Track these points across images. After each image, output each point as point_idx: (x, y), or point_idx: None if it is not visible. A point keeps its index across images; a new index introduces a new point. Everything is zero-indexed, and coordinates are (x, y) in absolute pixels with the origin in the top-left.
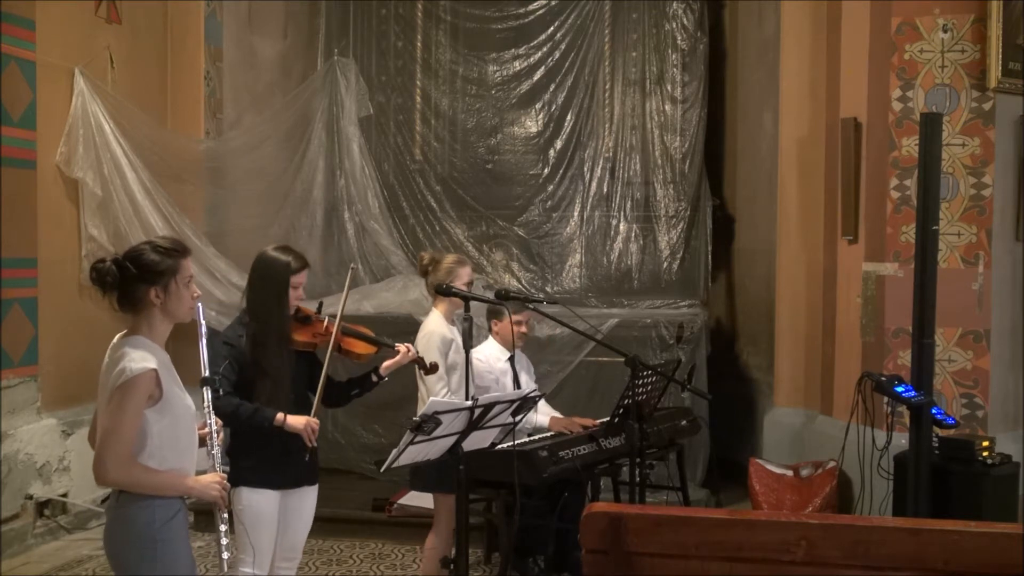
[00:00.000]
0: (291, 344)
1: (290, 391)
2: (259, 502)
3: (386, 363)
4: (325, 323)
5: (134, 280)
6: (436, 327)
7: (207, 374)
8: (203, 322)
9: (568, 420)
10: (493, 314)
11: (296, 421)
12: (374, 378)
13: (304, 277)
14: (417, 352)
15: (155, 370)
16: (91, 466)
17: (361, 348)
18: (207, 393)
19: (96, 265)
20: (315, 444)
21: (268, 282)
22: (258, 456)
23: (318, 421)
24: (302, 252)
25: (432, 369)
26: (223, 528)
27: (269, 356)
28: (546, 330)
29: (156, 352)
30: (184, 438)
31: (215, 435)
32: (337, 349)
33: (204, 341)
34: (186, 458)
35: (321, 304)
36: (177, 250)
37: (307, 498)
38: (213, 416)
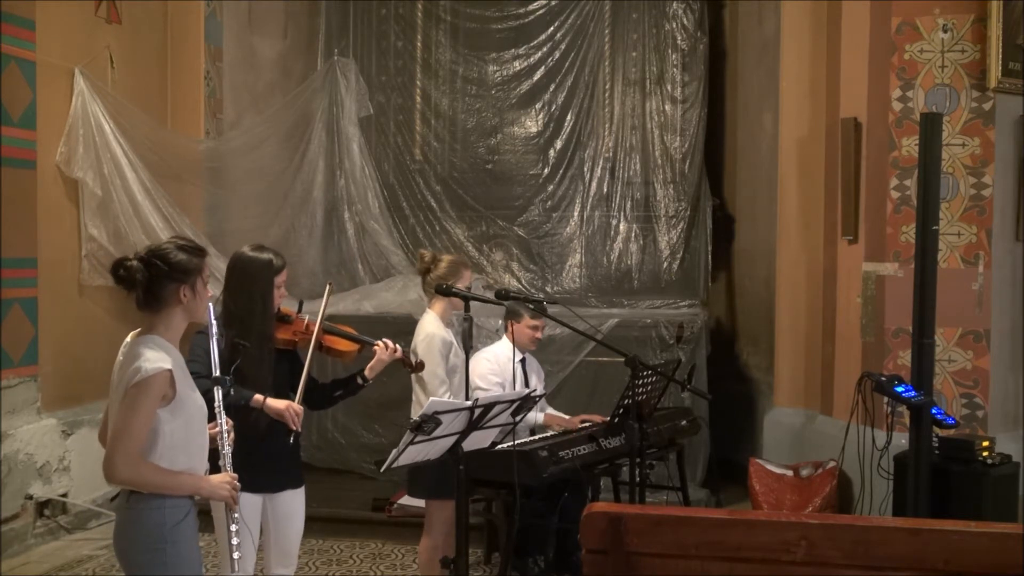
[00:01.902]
0: (273, 344)
1: (271, 393)
2: (240, 505)
3: (370, 365)
4: (306, 322)
5: (163, 278)
6: (435, 329)
7: (218, 374)
8: (214, 322)
9: (568, 420)
10: (511, 315)
11: (277, 403)
12: (359, 380)
13: (285, 275)
14: (400, 348)
15: (170, 370)
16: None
17: (344, 346)
18: (218, 393)
19: (124, 263)
20: (299, 428)
21: (250, 284)
22: (238, 459)
23: (301, 407)
24: (280, 250)
25: (419, 367)
26: (234, 528)
27: (250, 362)
28: (546, 330)
29: (171, 352)
30: (195, 439)
31: (226, 435)
32: (319, 347)
33: (214, 341)
34: (196, 459)
35: (301, 303)
36: (200, 249)
37: (294, 502)
38: (224, 416)
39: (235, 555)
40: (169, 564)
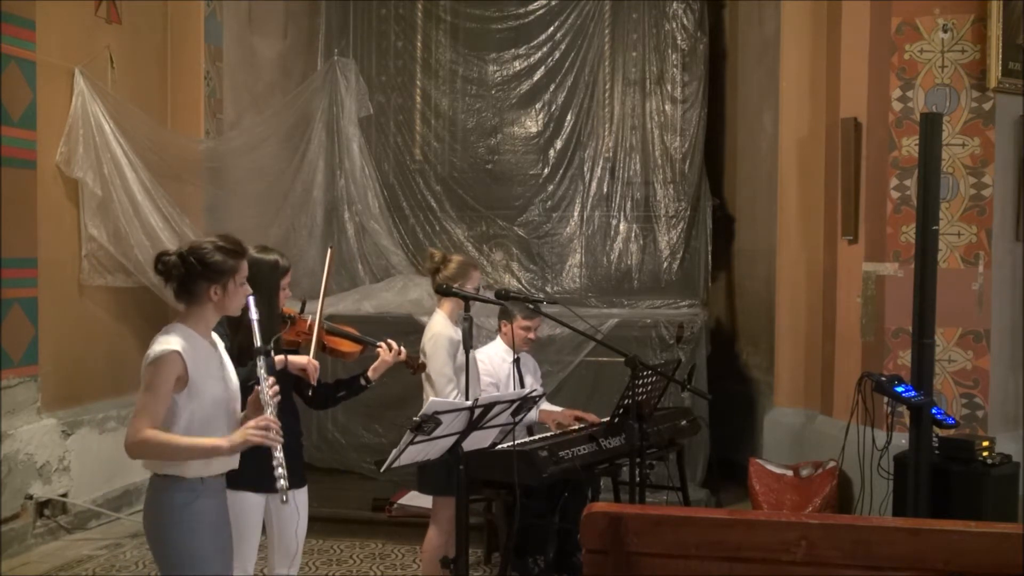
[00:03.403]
0: (279, 345)
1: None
2: (243, 504)
3: (373, 366)
4: (308, 322)
5: (197, 276)
6: (442, 329)
7: (259, 344)
8: (253, 307)
9: (560, 413)
10: (503, 315)
11: (298, 359)
12: (362, 382)
13: (290, 277)
14: (404, 350)
15: (177, 352)
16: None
17: (346, 347)
18: (261, 362)
19: (163, 258)
20: (315, 383)
21: (256, 285)
22: (243, 459)
23: (317, 362)
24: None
25: (420, 368)
26: (279, 456)
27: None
28: (546, 330)
29: (190, 339)
30: (215, 422)
31: (267, 392)
32: (321, 348)
33: (255, 318)
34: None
35: (304, 304)
36: (238, 251)
37: (297, 501)
38: (266, 381)
39: (280, 483)
40: (172, 545)
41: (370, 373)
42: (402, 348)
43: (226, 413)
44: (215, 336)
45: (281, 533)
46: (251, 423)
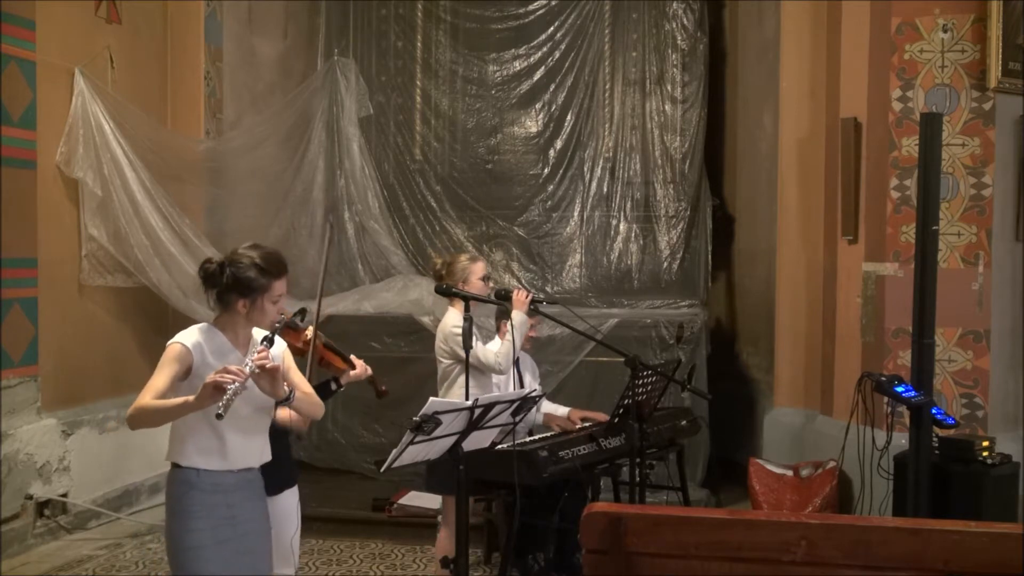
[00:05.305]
0: None
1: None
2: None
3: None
4: (305, 332)
5: (228, 288)
6: (455, 321)
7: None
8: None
9: (564, 418)
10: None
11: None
12: (333, 386)
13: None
14: (370, 370)
15: (185, 346)
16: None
17: (338, 363)
18: (264, 342)
19: (204, 265)
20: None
21: None
22: None
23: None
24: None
25: (383, 394)
26: (229, 389)
27: None
28: (546, 330)
29: (210, 338)
30: (225, 420)
31: (253, 354)
32: (319, 361)
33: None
34: (224, 439)
35: (305, 311)
36: (272, 271)
37: (289, 501)
38: (259, 349)
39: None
40: (169, 533)
41: (343, 379)
42: (368, 368)
43: (241, 416)
44: (257, 337)
45: (278, 533)
46: (211, 376)
